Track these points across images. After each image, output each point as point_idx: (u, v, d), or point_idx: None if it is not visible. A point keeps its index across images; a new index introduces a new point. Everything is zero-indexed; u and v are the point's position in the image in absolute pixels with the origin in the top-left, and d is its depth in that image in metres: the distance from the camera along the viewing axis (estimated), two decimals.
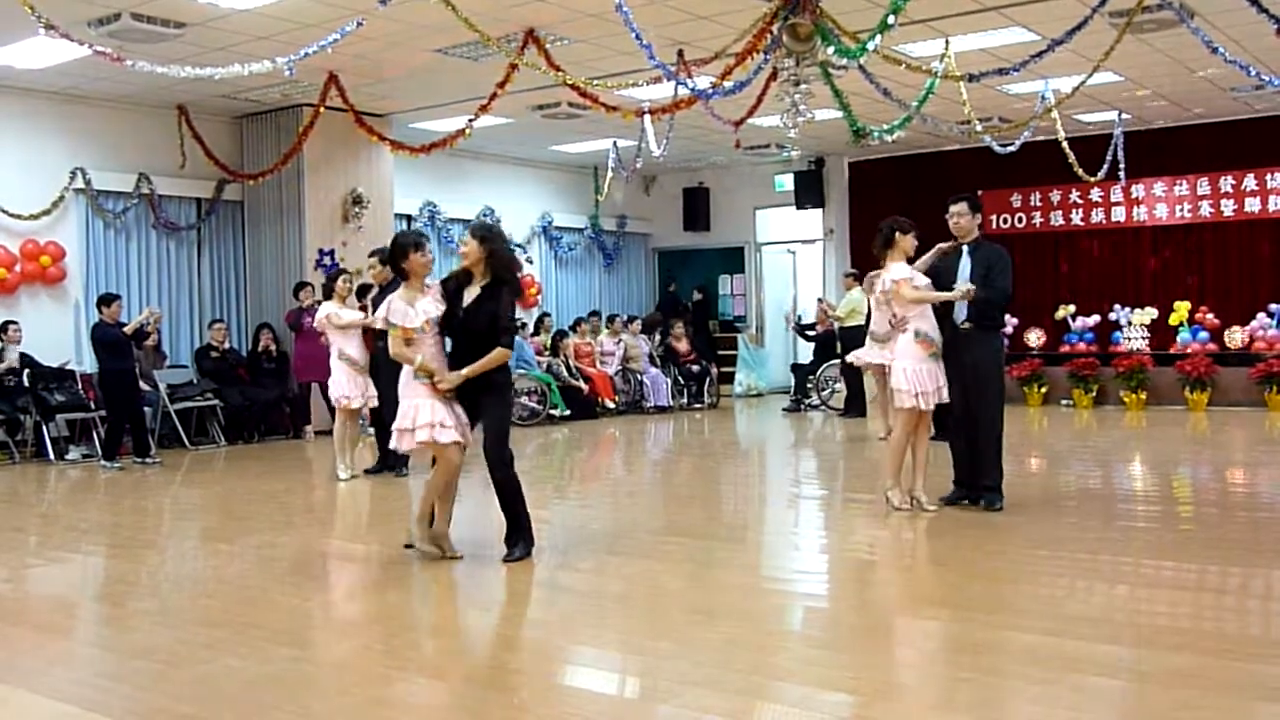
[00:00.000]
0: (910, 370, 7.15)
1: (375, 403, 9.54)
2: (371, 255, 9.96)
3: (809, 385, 15.38)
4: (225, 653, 4.62)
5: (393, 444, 6.23)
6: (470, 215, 16.48)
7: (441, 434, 5.93)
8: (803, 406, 15.34)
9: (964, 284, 7.11)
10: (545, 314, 16.68)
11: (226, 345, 12.92)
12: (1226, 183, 15.35)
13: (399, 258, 6.12)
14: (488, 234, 6.11)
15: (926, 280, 7.26)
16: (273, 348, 13.06)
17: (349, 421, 9.66)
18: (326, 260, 13.45)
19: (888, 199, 17.23)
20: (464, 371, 5.95)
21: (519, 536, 6.20)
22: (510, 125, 14.12)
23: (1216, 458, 10.69)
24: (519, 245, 17.26)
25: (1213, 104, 14.25)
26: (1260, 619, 5.22)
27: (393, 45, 10.55)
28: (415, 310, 6.00)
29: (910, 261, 7.36)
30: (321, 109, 11.92)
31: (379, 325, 6.41)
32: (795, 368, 16.26)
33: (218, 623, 5.13)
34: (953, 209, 7.38)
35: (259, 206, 13.80)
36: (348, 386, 9.46)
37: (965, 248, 7.37)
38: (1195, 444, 11.61)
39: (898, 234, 7.32)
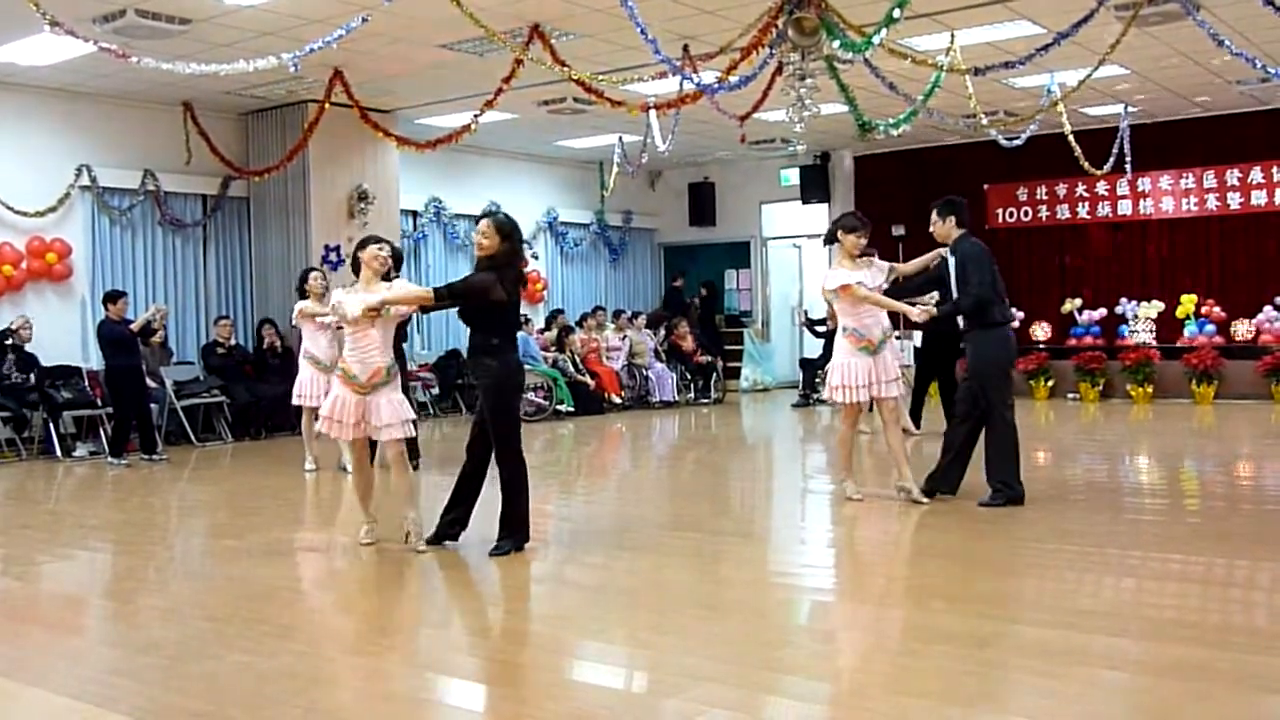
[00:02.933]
0: (840, 364, 7.37)
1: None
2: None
3: (817, 380, 15.37)
4: (233, 648, 4.63)
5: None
6: (476, 211, 16.42)
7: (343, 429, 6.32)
8: (811, 401, 15.35)
9: (923, 307, 7.35)
10: (559, 311, 16.66)
11: (233, 342, 12.93)
12: (1233, 176, 15.31)
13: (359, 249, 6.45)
14: (513, 230, 6.31)
15: (863, 279, 7.35)
16: (278, 343, 13.07)
17: (310, 418, 9.83)
18: (333, 256, 13.47)
19: (893, 193, 17.20)
20: (379, 298, 6.17)
21: (511, 530, 6.22)
22: (515, 121, 14.12)
23: (1223, 451, 10.67)
24: (525, 241, 17.23)
25: (1219, 97, 14.21)
26: (1267, 611, 5.22)
27: (398, 41, 10.55)
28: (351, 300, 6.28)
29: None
30: (327, 105, 11.93)
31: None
32: (804, 363, 16.24)
33: (225, 618, 5.14)
34: (933, 218, 7.47)
35: (265, 203, 13.82)
36: (309, 386, 9.72)
37: (949, 249, 7.44)
38: (1202, 437, 11.59)
39: (839, 233, 7.46)
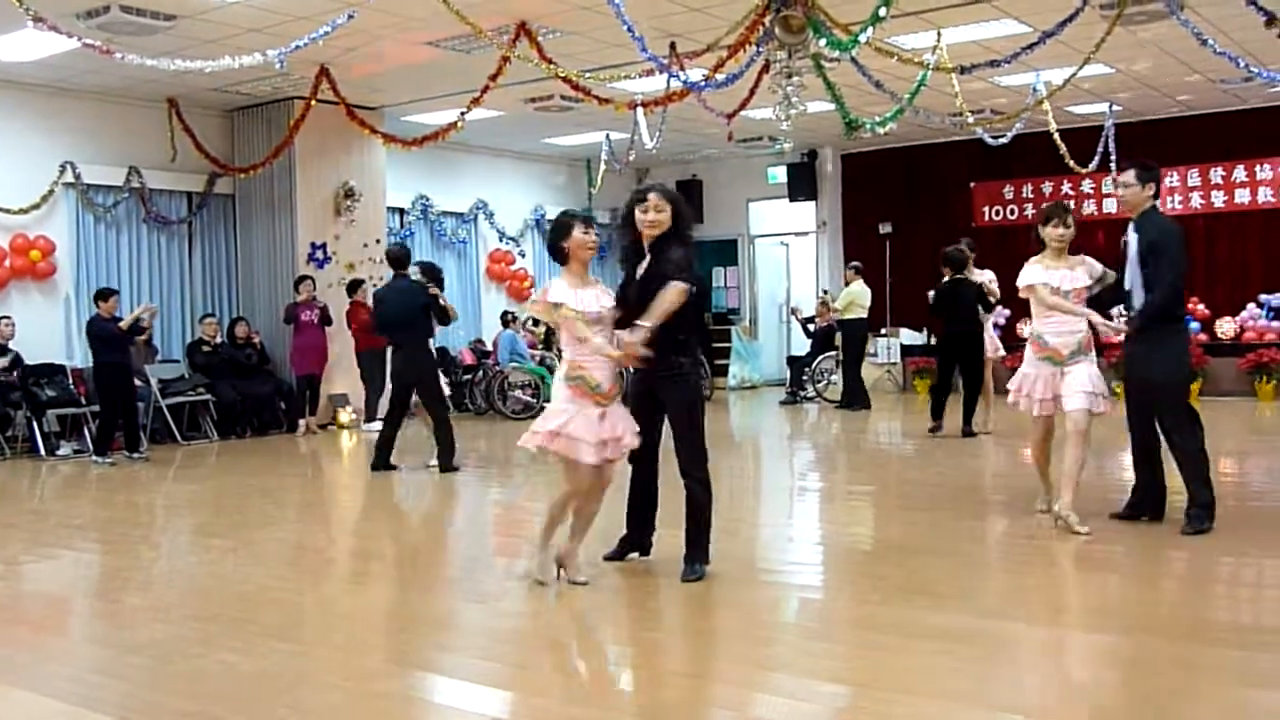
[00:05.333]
0: (1021, 372, 6.58)
1: None
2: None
3: (805, 378, 15.40)
4: (219, 648, 4.62)
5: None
6: (463, 208, 16.49)
7: (585, 451, 5.33)
8: (799, 399, 15.37)
9: (1116, 323, 6.42)
10: None
11: (218, 340, 12.89)
12: (1217, 174, 15.40)
13: (559, 236, 5.28)
14: (677, 198, 5.46)
15: (1058, 281, 6.45)
16: (255, 338, 13.05)
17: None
18: (319, 254, 13.44)
19: (880, 191, 17.24)
20: (645, 323, 5.13)
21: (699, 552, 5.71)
22: (502, 118, 14.10)
23: (1207, 447, 10.68)
24: (511, 239, 17.27)
25: (1203, 96, 14.27)
26: (1251, 607, 5.25)
27: (384, 38, 10.52)
28: (582, 296, 5.23)
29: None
30: (313, 102, 11.89)
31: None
32: (791, 360, 16.26)
33: (211, 618, 5.12)
34: (1119, 179, 6.50)
35: (250, 200, 13.77)
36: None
37: (1132, 223, 6.45)
38: None
39: (1038, 227, 6.59)
